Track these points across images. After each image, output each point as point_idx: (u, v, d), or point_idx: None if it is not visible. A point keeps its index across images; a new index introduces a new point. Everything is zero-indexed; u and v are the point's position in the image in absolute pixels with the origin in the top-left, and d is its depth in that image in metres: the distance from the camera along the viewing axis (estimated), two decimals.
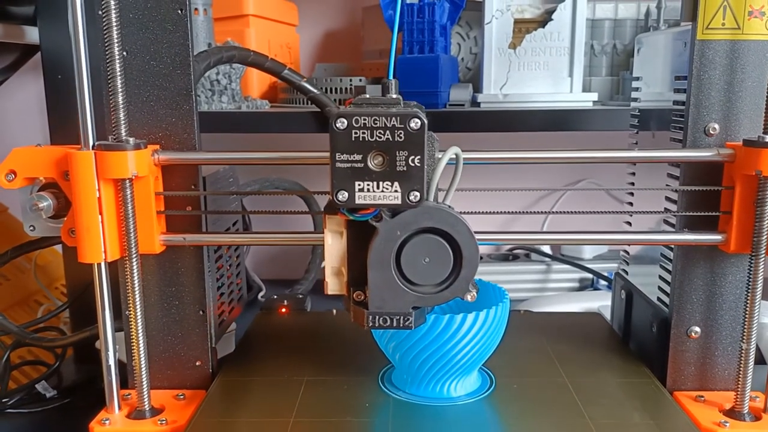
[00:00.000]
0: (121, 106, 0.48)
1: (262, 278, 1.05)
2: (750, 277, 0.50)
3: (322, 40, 1.13)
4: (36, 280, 0.91)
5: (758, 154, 0.47)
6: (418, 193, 0.41)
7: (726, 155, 0.50)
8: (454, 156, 0.45)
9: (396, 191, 0.41)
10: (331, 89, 0.83)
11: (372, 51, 0.97)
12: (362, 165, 0.41)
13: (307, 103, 0.83)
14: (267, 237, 0.55)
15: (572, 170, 1.11)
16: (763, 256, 0.49)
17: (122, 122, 0.48)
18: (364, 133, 0.40)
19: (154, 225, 0.51)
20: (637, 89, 0.65)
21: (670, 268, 0.56)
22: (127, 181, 0.48)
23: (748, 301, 0.50)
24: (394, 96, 0.42)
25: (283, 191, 0.91)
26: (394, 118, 0.40)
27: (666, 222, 0.58)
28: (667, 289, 0.57)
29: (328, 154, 0.53)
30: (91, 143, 0.48)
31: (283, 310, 0.74)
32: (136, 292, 0.50)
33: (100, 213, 0.48)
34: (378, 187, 0.41)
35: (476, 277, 0.45)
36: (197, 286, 0.55)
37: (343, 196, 0.41)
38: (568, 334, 0.65)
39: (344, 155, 0.41)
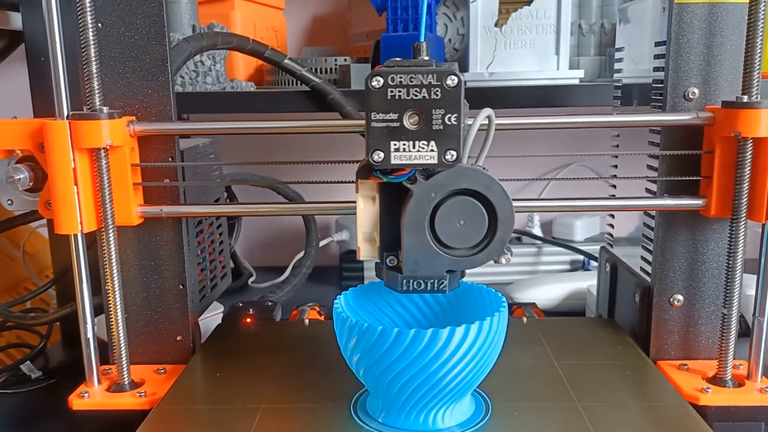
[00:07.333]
0: (95, 75, 0.48)
1: (253, 265, 1.04)
2: (731, 242, 0.49)
3: (309, 23, 1.12)
4: (25, 266, 0.90)
5: (736, 114, 0.47)
6: (454, 152, 0.40)
7: (705, 118, 0.50)
8: (485, 119, 0.43)
9: (432, 150, 0.40)
10: (316, 69, 0.83)
11: (359, 34, 0.97)
12: (398, 124, 0.40)
13: (293, 84, 0.83)
14: (244, 208, 0.54)
15: (560, 152, 1.11)
16: (743, 219, 0.49)
17: (96, 91, 0.48)
18: (400, 91, 0.39)
19: (131, 196, 0.51)
20: (620, 60, 0.64)
21: (651, 236, 0.56)
22: (102, 150, 0.48)
23: (730, 267, 0.50)
24: (426, 58, 0.41)
25: (264, 183, 0.91)
26: (430, 76, 0.39)
27: (648, 190, 0.57)
28: (650, 258, 0.56)
29: (303, 123, 0.53)
30: (65, 113, 0.48)
31: (248, 320, 0.66)
32: (114, 264, 0.50)
33: (76, 183, 0.48)
34: (414, 147, 0.40)
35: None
36: (176, 260, 0.55)
37: (378, 156, 0.40)
38: (579, 345, 0.57)
39: (380, 114, 0.40)
